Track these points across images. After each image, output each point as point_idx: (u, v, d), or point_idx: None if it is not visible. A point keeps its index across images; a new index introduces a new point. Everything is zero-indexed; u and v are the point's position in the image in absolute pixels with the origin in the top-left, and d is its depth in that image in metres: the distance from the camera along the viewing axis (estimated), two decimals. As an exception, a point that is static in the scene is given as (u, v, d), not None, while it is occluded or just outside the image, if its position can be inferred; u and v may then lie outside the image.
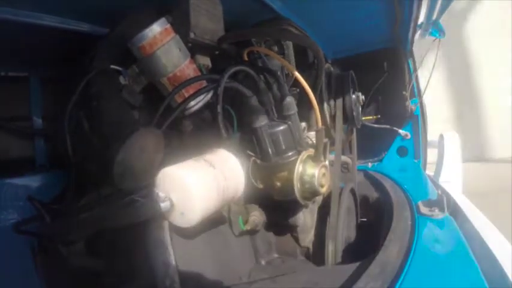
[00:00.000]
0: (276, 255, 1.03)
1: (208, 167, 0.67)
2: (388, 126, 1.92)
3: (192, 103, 0.90)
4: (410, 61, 1.93)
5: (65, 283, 0.83)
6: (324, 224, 0.99)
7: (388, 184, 1.36)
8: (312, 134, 1.11)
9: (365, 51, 1.93)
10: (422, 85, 1.93)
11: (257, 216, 0.93)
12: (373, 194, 1.37)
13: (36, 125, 1.02)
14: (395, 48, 1.87)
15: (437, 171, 1.65)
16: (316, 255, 0.99)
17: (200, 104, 0.91)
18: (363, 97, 1.30)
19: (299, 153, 0.86)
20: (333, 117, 1.24)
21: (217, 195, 0.66)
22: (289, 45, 1.20)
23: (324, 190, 0.89)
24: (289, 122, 0.87)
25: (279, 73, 1.08)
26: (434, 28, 1.64)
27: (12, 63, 1.00)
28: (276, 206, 0.95)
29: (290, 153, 0.86)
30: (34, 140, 1.02)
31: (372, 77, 1.87)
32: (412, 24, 1.50)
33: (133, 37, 0.83)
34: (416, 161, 1.94)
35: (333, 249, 0.95)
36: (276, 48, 1.16)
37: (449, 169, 1.62)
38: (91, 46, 0.87)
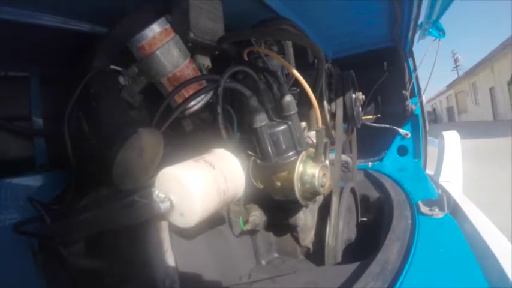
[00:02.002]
0: (276, 255, 1.03)
1: (208, 167, 0.67)
2: (388, 126, 1.92)
3: (192, 103, 0.89)
4: (410, 61, 1.94)
5: (65, 283, 0.83)
6: (324, 224, 0.99)
7: (388, 183, 1.36)
8: (312, 133, 1.10)
9: (365, 50, 1.94)
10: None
11: (257, 216, 0.93)
12: (374, 194, 1.37)
13: (36, 125, 1.02)
14: (396, 48, 1.88)
15: (438, 171, 1.65)
16: (317, 255, 0.99)
17: (200, 104, 0.91)
18: (363, 97, 1.30)
19: (299, 153, 0.86)
20: (333, 117, 1.24)
21: (217, 195, 0.66)
22: (289, 45, 1.19)
23: (324, 190, 0.89)
24: (289, 122, 0.87)
25: (279, 73, 1.08)
26: (434, 28, 1.64)
27: (12, 63, 1.00)
28: (276, 206, 0.95)
29: (290, 153, 0.86)
30: (34, 140, 1.02)
31: (372, 76, 1.88)
32: (412, 24, 1.51)
33: (133, 37, 0.83)
34: (416, 160, 1.95)
35: (333, 249, 0.95)
36: (275, 48, 1.16)
37: (449, 168, 1.62)
38: (90, 46, 0.87)
